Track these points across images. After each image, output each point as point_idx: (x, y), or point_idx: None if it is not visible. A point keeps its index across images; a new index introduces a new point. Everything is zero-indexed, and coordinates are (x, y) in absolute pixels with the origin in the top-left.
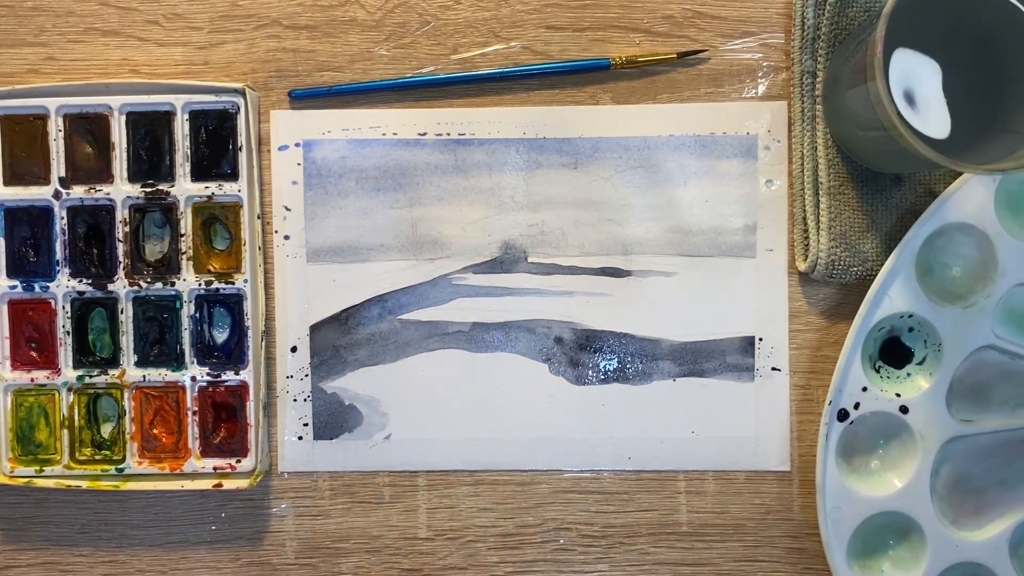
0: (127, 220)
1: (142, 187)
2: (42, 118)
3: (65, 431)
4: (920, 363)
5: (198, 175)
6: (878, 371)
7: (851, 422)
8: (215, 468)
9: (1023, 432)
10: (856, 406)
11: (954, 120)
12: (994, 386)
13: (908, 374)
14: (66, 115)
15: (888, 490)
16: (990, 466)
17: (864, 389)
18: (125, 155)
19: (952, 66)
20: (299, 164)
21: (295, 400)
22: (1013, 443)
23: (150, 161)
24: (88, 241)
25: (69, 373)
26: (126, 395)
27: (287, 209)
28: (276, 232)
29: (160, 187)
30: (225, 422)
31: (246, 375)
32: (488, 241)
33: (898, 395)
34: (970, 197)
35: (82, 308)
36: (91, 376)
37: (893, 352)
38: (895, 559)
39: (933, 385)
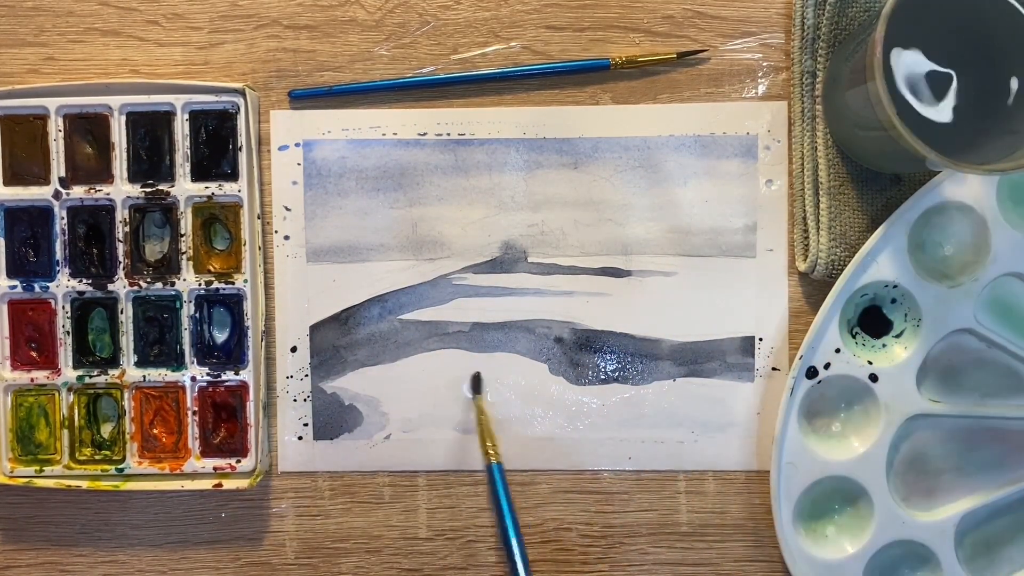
0: (127, 220)
1: (142, 187)
2: (42, 118)
3: (65, 431)
4: (898, 336)
5: (198, 175)
6: (854, 336)
7: (819, 381)
8: (215, 468)
9: (987, 421)
10: (826, 366)
11: (954, 120)
12: (967, 371)
13: (884, 344)
14: (66, 115)
15: (845, 455)
16: (949, 451)
17: (837, 351)
18: (125, 155)
19: (952, 66)
20: (299, 164)
21: (295, 400)
22: (976, 431)
23: (150, 161)
24: (88, 241)
25: (69, 373)
26: (126, 395)
27: (287, 209)
28: (276, 232)
29: (160, 187)
30: (225, 422)
31: (246, 375)
32: (488, 241)
33: (870, 363)
34: (974, 179)
35: (82, 308)
36: (91, 376)
37: (872, 322)
38: (840, 525)
39: (907, 359)
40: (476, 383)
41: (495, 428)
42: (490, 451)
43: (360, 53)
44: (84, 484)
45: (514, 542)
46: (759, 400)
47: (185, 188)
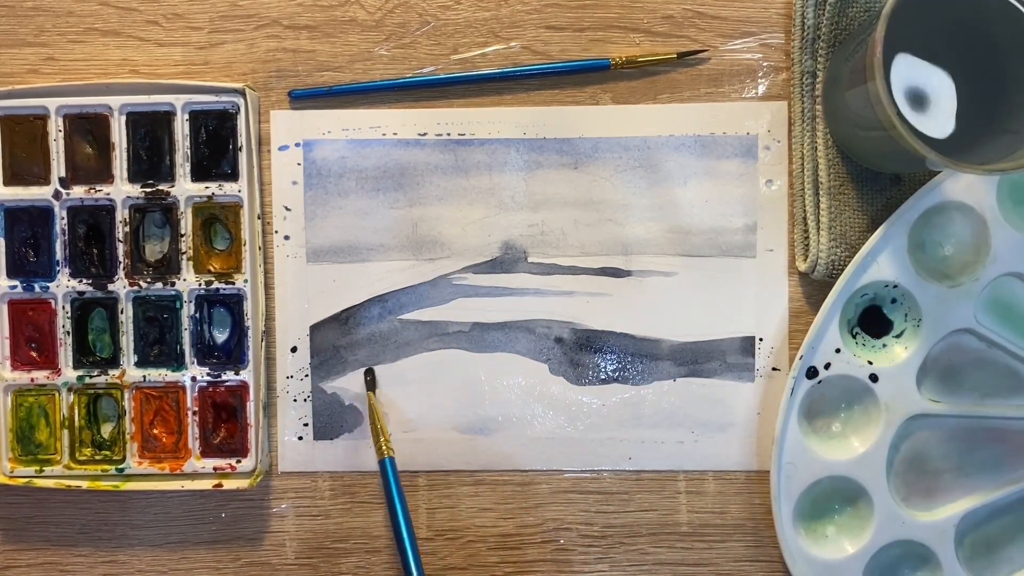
0: (127, 220)
1: (142, 187)
2: (42, 118)
3: (65, 431)
4: (898, 336)
5: (198, 175)
6: (854, 336)
7: (819, 381)
8: (215, 468)
9: (987, 421)
10: (827, 366)
11: (954, 120)
12: (967, 371)
13: (884, 344)
14: (66, 115)
15: (845, 455)
16: (949, 451)
17: (837, 351)
18: (125, 155)
19: (952, 66)
20: (299, 164)
21: (295, 400)
22: (976, 431)
23: (150, 161)
24: (88, 241)
25: (69, 373)
26: (126, 395)
27: (287, 209)
28: (276, 232)
29: (160, 187)
30: (225, 422)
31: (246, 375)
32: (488, 241)
33: (870, 363)
34: (974, 179)
35: (82, 308)
36: (91, 376)
37: (872, 322)
38: (840, 525)
39: (907, 359)
40: (369, 379)
41: (386, 422)
42: (383, 446)
43: (360, 53)
44: (84, 484)
45: (405, 536)
46: (759, 400)
47: (185, 188)
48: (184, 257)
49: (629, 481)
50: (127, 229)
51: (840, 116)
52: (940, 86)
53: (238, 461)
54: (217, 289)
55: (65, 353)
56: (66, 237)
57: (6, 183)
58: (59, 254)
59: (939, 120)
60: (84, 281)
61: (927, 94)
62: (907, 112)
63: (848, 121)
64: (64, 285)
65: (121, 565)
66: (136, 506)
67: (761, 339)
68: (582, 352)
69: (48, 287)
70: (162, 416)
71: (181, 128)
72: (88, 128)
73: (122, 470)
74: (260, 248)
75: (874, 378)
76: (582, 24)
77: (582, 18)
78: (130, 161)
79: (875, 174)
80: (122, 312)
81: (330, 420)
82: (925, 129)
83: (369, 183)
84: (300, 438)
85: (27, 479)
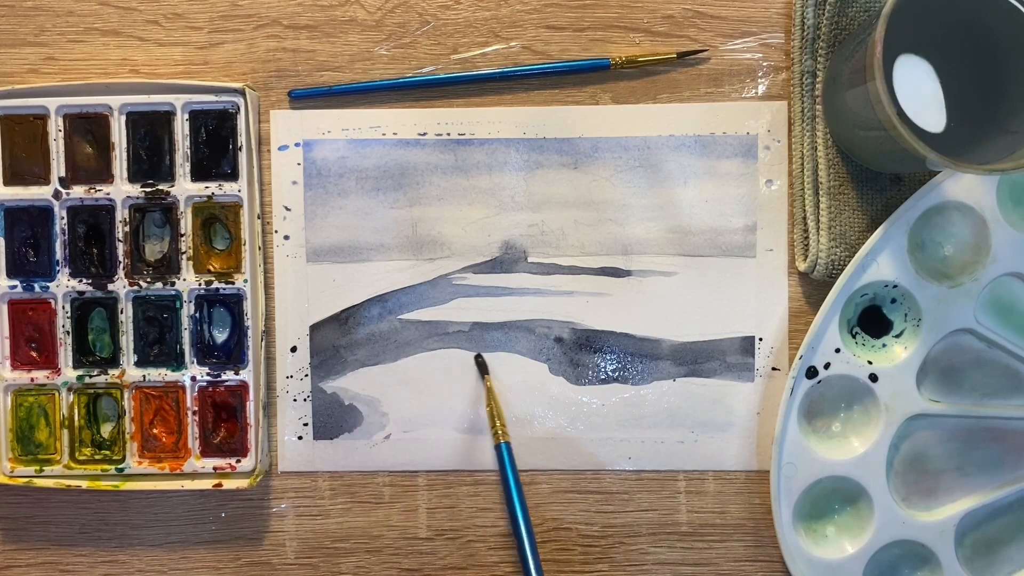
0: (127, 220)
1: (142, 187)
2: (42, 118)
3: (65, 431)
4: (898, 336)
5: (198, 175)
6: (854, 336)
7: (819, 381)
8: (215, 468)
9: (987, 421)
10: (826, 366)
11: (954, 120)
12: (967, 371)
13: (884, 344)
14: (66, 115)
15: (845, 455)
16: (950, 450)
17: (837, 351)
18: (125, 155)
19: (952, 66)
20: (299, 164)
21: (295, 400)
22: (976, 431)
23: (150, 161)
24: (88, 241)
25: (69, 373)
26: (126, 395)
27: (287, 209)
28: (276, 232)
29: (160, 187)
30: (225, 422)
31: (246, 375)
32: (488, 241)
33: (870, 363)
34: (974, 179)
35: (82, 308)
36: (91, 376)
37: (872, 322)
38: (840, 525)
39: (907, 359)
40: (481, 365)
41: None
42: (498, 431)
43: (360, 53)
44: (84, 484)
45: (521, 522)
46: (759, 400)
47: (185, 188)
48: (184, 257)
49: (629, 481)
50: (127, 229)
51: (840, 116)
52: (937, 86)
53: (238, 461)
54: (217, 289)
55: (65, 353)
56: (66, 237)
57: (6, 183)
58: (59, 254)
59: (936, 120)
60: (84, 281)
61: (925, 94)
62: (905, 112)
63: (848, 121)
64: (64, 285)
65: (121, 565)
66: (136, 506)
67: (761, 339)
68: (582, 352)
69: (48, 287)
70: (162, 416)
71: (181, 128)
72: (88, 128)
73: (122, 470)
74: (260, 248)
75: (874, 378)
76: (582, 24)
77: (582, 18)
78: (130, 161)
79: (875, 174)
80: (122, 312)
81: (330, 420)
82: (924, 127)
83: (369, 183)
84: (300, 438)
85: (27, 479)
